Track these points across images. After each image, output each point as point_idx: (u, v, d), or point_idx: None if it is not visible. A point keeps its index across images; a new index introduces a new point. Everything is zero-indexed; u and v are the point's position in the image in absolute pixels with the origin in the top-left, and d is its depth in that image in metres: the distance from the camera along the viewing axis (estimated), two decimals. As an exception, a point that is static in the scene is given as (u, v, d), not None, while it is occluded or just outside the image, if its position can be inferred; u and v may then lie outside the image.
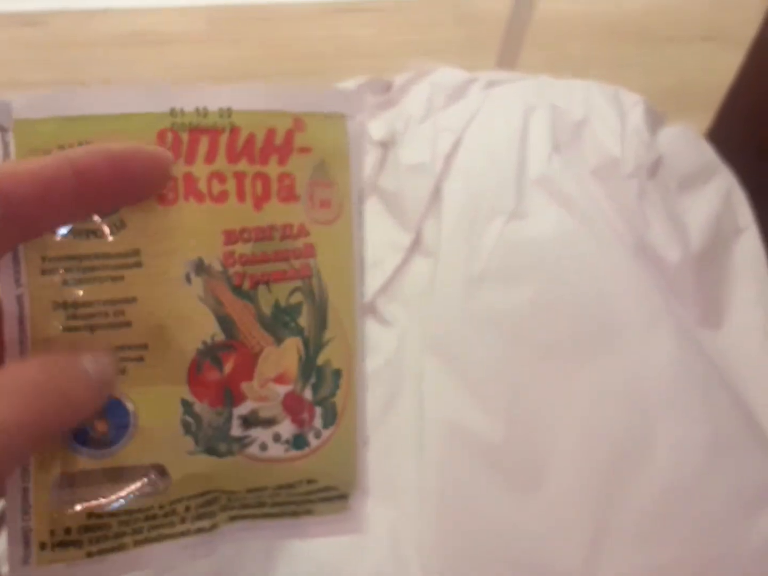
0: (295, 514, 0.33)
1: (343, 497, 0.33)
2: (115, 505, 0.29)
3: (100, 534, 0.29)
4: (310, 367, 0.31)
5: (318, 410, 0.31)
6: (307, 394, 0.31)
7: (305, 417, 0.31)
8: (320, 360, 0.31)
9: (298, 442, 0.31)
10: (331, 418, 0.32)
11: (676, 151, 0.61)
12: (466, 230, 0.56)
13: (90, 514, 0.29)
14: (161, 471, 0.30)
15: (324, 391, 0.32)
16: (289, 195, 0.30)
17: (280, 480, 0.32)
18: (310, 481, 0.32)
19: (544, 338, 0.53)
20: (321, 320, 0.31)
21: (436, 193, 0.58)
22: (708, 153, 0.63)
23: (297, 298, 0.30)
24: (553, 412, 0.51)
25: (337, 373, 0.32)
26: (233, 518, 0.32)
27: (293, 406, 0.31)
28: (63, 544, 0.29)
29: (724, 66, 0.92)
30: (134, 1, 1.03)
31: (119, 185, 0.28)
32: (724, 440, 0.50)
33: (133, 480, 0.29)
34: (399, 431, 0.51)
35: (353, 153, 0.31)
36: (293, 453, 0.31)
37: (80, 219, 0.28)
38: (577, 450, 0.50)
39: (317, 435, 0.32)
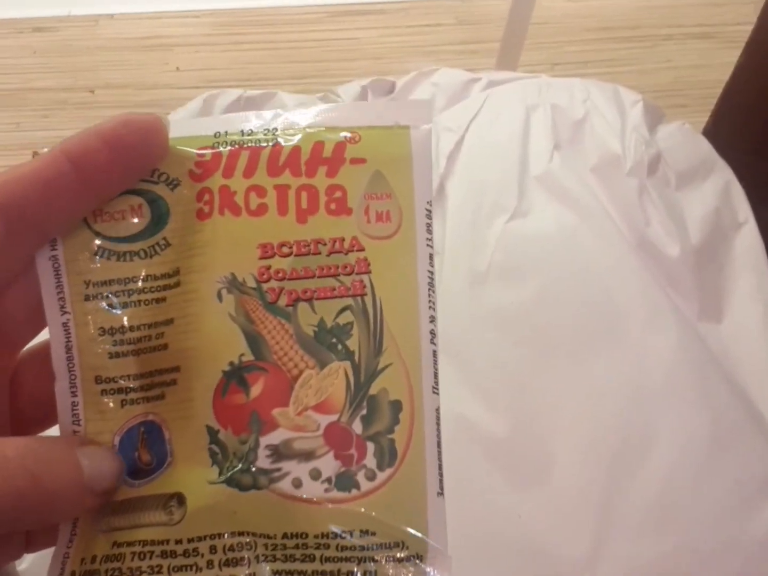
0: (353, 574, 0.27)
1: (416, 558, 0.27)
2: (128, 533, 0.27)
3: (116, 565, 0.26)
4: (361, 396, 0.27)
5: (371, 446, 0.27)
6: (357, 426, 0.27)
7: (353, 453, 0.27)
8: (374, 389, 0.27)
9: (344, 482, 0.27)
10: (389, 457, 0.27)
11: (675, 148, 0.62)
12: (470, 228, 0.57)
13: (114, 542, 0.27)
14: (180, 500, 0.27)
15: (378, 424, 0.27)
16: (340, 208, 0.28)
17: (322, 526, 0.27)
18: (364, 532, 0.27)
19: (546, 334, 0.54)
20: (376, 344, 0.28)
21: (440, 192, 0.59)
22: (706, 149, 0.64)
23: (347, 317, 0.27)
24: (557, 406, 0.52)
25: (396, 406, 0.28)
26: (277, 573, 0.27)
27: (338, 439, 0.27)
28: (88, 573, 0.26)
29: (719, 63, 0.93)
30: (140, 6, 1.05)
31: (119, 162, 0.26)
32: (725, 431, 0.51)
33: (149, 507, 0.27)
34: None
35: (417, 162, 0.29)
36: (337, 494, 0.27)
37: (90, 209, 0.27)
38: (581, 443, 0.51)
39: (370, 477, 0.27)
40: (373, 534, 0.27)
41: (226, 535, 0.27)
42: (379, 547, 0.27)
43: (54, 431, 0.28)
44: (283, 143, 0.27)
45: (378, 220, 0.28)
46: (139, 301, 0.27)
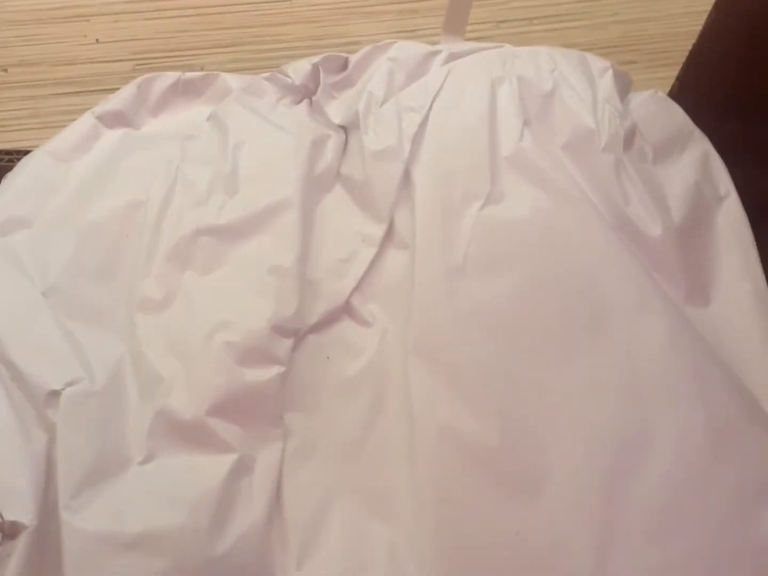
0: None
1: None
2: None
3: None
4: None
5: None
6: None
7: None
8: None
9: None
10: None
11: (649, 119, 0.59)
12: (441, 218, 0.52)
13: None
14: None
15: None
16: None
17: None
18: None
19: (532, 329, 0.50)
20: None
21: (406, 179, 0.54)
22: (681, 118, 0.60)
23: None
24: (548, 410, 0.48)
25: None
26: None
27: None
28: None
29: (666, 15, 0.90)
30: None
31: None
32: (722, 425, 0.48)
33: None
34: (388, 441, 0.48)
35: None
36: None
37: None
38: (576, 449, 0.47)
39: None
40: None
41: None
42: None
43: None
44: None
45: None
46: None
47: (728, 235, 0.56)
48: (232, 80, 0.60)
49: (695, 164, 0.58)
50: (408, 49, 0.59)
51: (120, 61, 0.89)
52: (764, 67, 0.59)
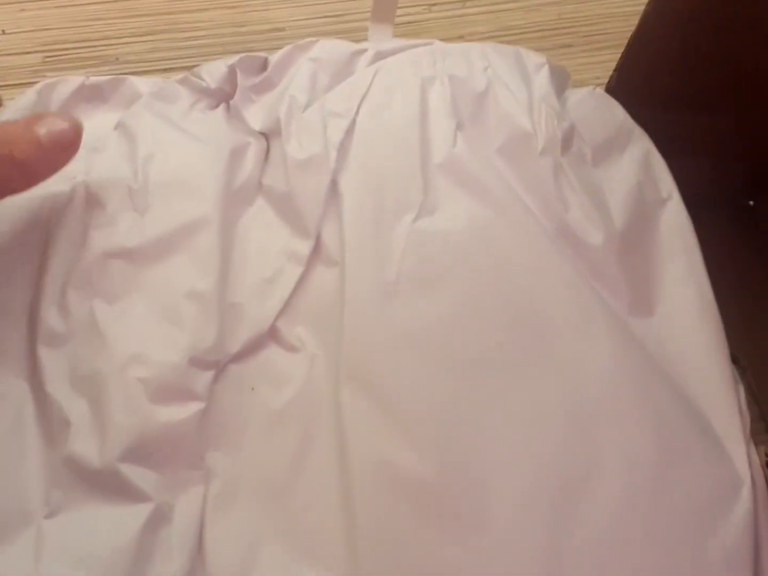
0: None
1: None
2: None
3: None
4: None
5: None
6: None
7: None
8: None
9: None
10: None
11: (588, 117, 0.56)
12: (372, 232, 0.49)
13: None
14: None
15: None
16: None
17: None
18: None
19: (470, 353, 0.47)
20: None
21: (334, 190, 0.50)
22: (620, 115, 0.57)
23: None
24: (489, 441, 0.45)
25: None
26: None
27: None
28: None
29: None
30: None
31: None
32: (672, 447, 0.46)
33: None
34: (320, 478, 0.45)
35: None
36: None
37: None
38: (519, 483, 0.44)
39: None
40: None
41: None
42: None
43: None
44: None
45: None
46: None
47: (671, 239, 0.53)
48: (142, 84, 0.55)
49: (636, 165, 0.55)
50: (331, 49, 0.55)
51: (29, 53, 0.83)
52: (705, 56, 0.56)
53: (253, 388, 0.47)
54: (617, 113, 0.57)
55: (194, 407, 0.45)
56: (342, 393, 0.46)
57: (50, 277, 0.48)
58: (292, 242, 0.50)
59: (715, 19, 0.54)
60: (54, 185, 0.49)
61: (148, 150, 0.51)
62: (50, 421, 0.45)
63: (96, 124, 0.52)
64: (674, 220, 0.54)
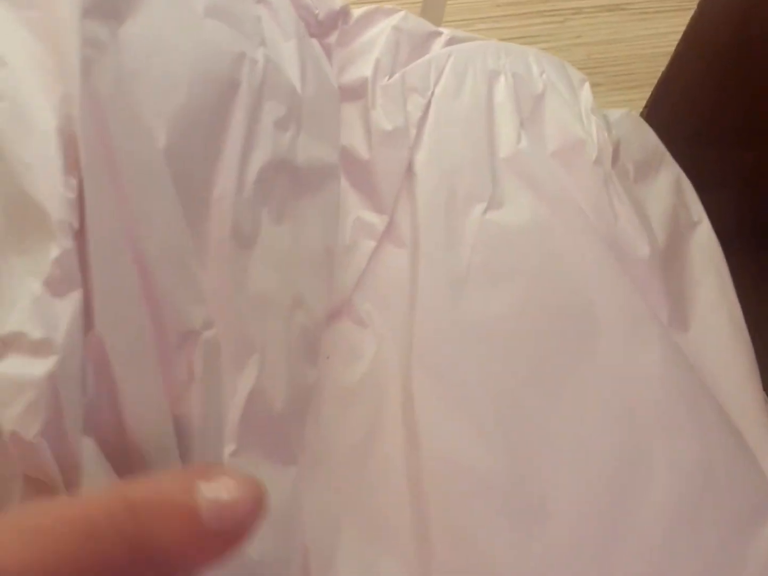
0: None
1: None
2: None
3: None
4: None
5: None
6: None
7: None
8: None
9: None
10: None
11: (626, 137, 0.57)
12: (444, 219, 0.47)
13: None
14: None
15: None
16: None
17: None
18: None
19: (529, 349, 0.47)
20: None
21: (409, 170, 0.49)
22: (653, 139, 0.59)
23: None
24: (552, 435, 0.45)
25: None
26: None
27: None
28: None
29: (631, 37, 0.89)
30: None
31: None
32: (715, 456, 0.47)
33: None
34: (388, 464, 0.43)
35: None
36: None
37: None
38: (575, 476, 0.44)
39: None
40: None
41: None
42: None
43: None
44: None
45: None
46: None
47: (703, 260, 0.55)
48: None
49: (670, 187, 0.57)
50: (414, 22, 0.53)
51: None
52: (734, 96, 0.59)
53: (328, 357, 0.44)
54: (651, 137, 0.59)
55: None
56: (413, 382, 0.44)
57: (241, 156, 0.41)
58: (364, 213, 0.48)
59: (741, 63, 0.57)
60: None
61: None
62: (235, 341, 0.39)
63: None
64: (705, 243, 0.55)
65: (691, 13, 0.62)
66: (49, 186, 0.31)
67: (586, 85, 0.57)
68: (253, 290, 0.39)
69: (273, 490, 0.36)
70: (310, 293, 0.42)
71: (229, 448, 0.36)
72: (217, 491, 0.22)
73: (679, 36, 0.63)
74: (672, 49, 0.65)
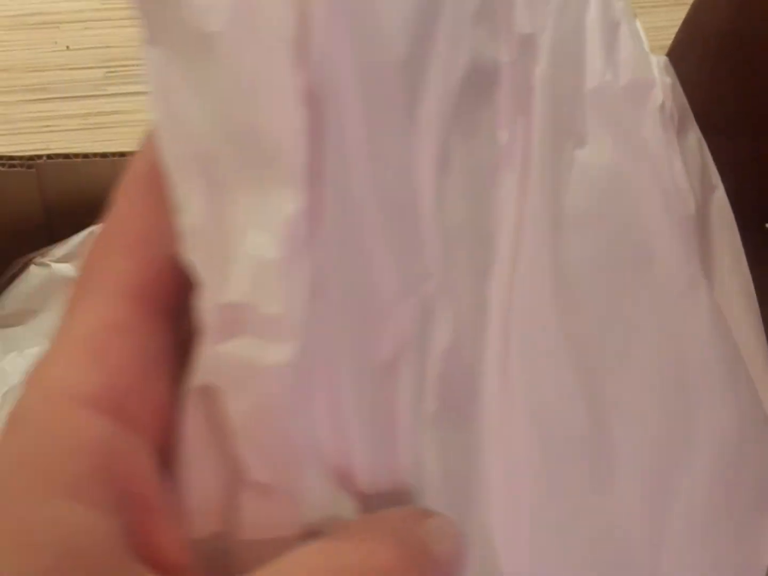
0: None
1: None
2: None
3: None
4: None
5: None
6: None
7: None
8: None
9: None
10: None
11: (674, 86, 0.55)
12: (551, 150, 0.42)
13: None
14: None
15: None
16: None
17: None
18: None
19: (604, 299, 0.44)
20: None
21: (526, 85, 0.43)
22: (682, 96, 0.57)
23: None
24: (624, 390, 0.43)
25: None
26: None
27: None
28: None
29: None
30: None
31: None
32: (748, 427, 0.48)
33: None
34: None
35: None
36: None
37: None
38: (635, 434, 0.43)
39: None
40: None
41: None
42: None
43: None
44: None
45: None
46: None
47: (721, 225, 0.55)
48: None
49: (698, 146, 0.56)
50: None
51: (91, 68, 0.88)
52: (732, 86, 0.59)
53: None
54: (680, 90, 0.57)
55: None
56: (513, 331, 0.40)
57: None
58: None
59: (739, 53, 0.58)
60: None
61: None
62: None
63: None
64: (721, 208, 0.56)
65: (687, 8, 0.63)
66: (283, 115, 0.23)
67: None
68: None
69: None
70: None
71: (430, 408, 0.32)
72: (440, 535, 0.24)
73: (675, 30, 0.64)
74: (669, 42, 0.66)
